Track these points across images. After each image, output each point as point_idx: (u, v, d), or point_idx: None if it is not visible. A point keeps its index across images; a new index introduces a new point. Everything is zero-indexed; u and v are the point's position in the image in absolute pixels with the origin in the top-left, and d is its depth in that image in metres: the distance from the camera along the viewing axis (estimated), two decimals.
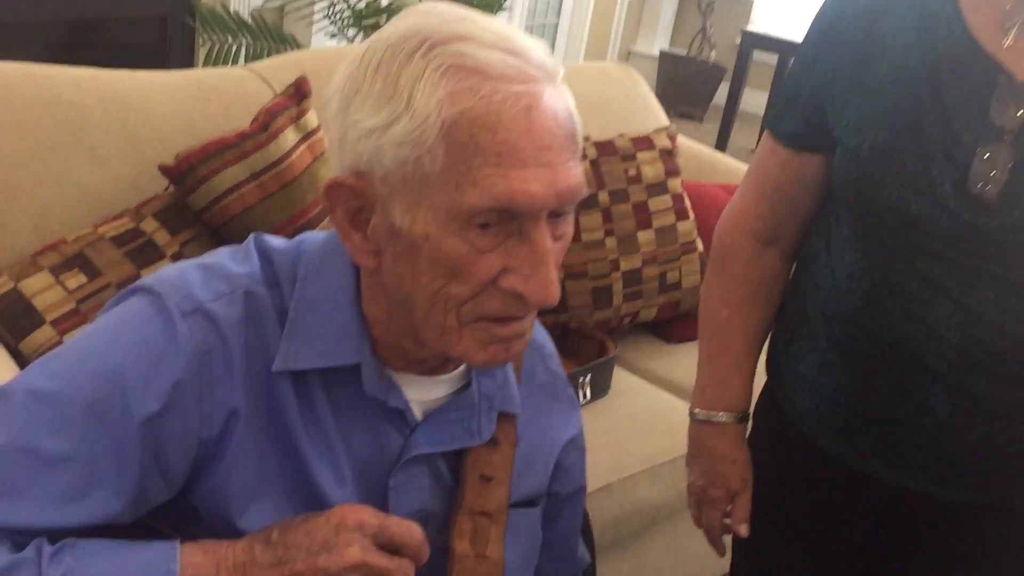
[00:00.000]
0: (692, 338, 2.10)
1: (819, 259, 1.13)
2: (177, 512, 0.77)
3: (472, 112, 0.68)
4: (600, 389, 1.82)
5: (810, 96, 1.08)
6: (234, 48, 2.79)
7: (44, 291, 1.33)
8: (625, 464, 1.68)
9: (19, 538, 0.70)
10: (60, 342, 1.31)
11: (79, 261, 1.37)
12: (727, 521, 1.24)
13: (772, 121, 1.15)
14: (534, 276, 0.71)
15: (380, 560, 0.72)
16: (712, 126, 5.55)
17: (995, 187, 0.95)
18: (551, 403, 0.95)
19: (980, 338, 0.99)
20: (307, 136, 1.55)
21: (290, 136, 1.52)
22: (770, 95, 5.46)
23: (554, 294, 0.72)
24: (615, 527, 1.65)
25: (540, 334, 0.96)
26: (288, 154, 1.50)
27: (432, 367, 0.82)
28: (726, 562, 2.02)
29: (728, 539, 1.29)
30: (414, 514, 0.81)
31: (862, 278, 1.06)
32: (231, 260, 0.80)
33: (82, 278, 1.36)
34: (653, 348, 2.09)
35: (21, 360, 1.29)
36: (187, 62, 3.24)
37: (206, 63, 2.76)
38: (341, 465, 0.79)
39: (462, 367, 0.85)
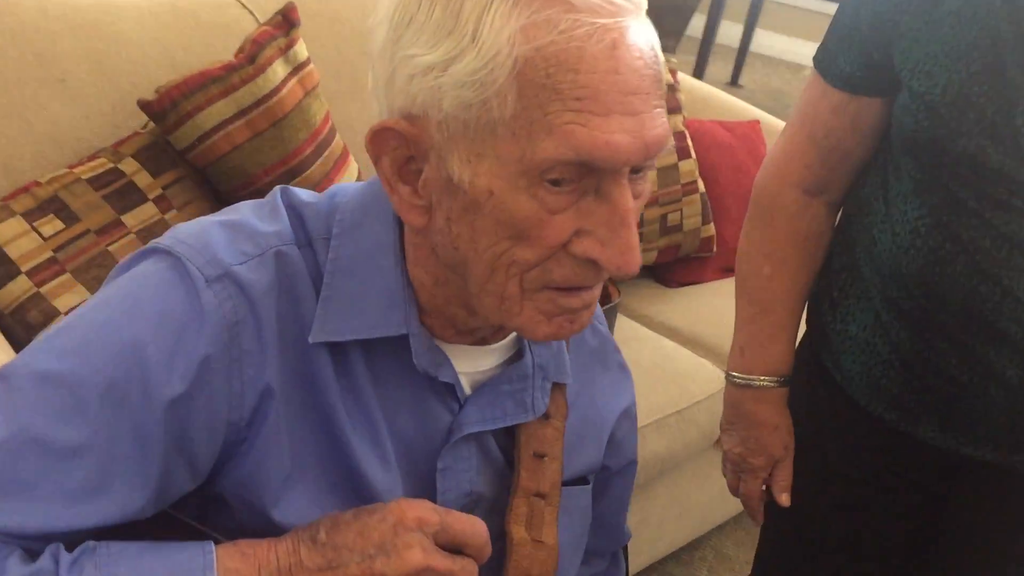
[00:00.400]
0: (691, 282, 2.10)
1: (874, 212, 1.05)
2: (202, 502, 0.69)
3: (550, 49, 0.59)
4: None
5: (871, 32, 0.99)
6: None
7: (17, 238, 1.22)
8: None
9: (32, 543, 0.61)
10: (37, 294, 1.21)
11: (54, 205, 1.26)
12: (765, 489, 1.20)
13: (823, 61, 1.06)
14: (613, 240, 0.62)
15: (444, 562, 0.65)
16: (686, 57, 5.45)
17: None
18: (602, 370, 0.87)
19: None
20: (297, 69, 1.45)
21: (279, 69, 1.41)
22: (745, 27, 5.39)
23: (636, 261, 0.63)
24: None
25: None
26: (278, 88, 1.40)
27: (481, 337, 0.74)
28: (728, 511, 2.02)
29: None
30: (463, 497, 0.74)
31: (928, 234, 0.99)
32: (256, 216, 0.70)
33: (58, 224, 1.25)
34: (653, 293, 2.05)
35: None
36: None
37: None
38: (385, 446, 0.71)
39: (512, 335, 0.76)
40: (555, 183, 0.61)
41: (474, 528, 0.67)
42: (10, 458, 0.61)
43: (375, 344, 0.70)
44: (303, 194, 0.73)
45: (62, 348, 0.64)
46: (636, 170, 0.64)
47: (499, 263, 0.64)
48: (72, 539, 0.61)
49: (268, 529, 0.67)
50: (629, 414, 0.90)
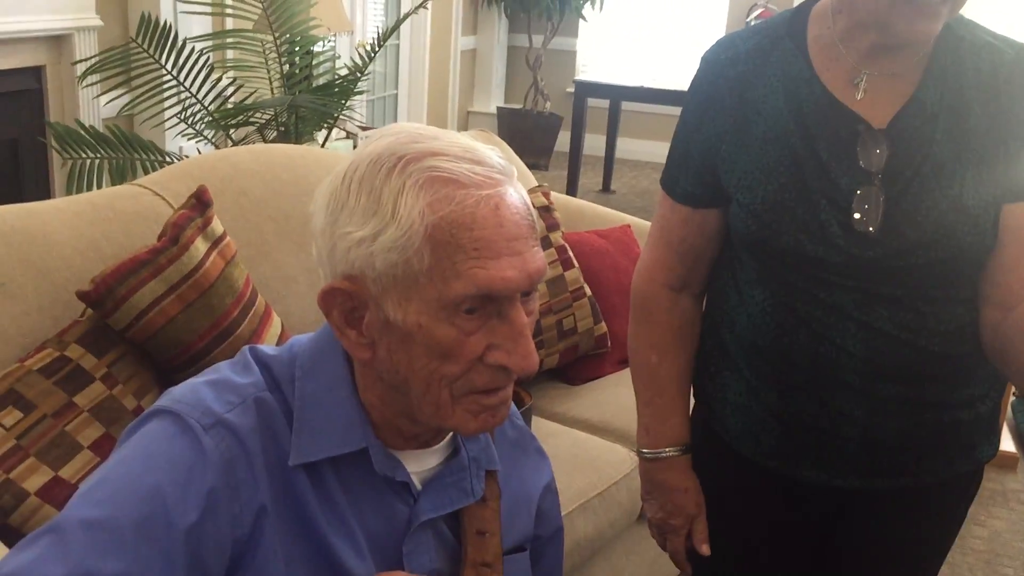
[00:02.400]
0: (594, 377, 2.25)
1: (730, 298, 1.26)
2: None
3: (451, 216, 0.79)
4: None
5: (700, 159, 1.22)
6: (96, 163, 2.78)
7: None
8: (560, 504, 1.78)
9: None
10: (7, 480, 1.31)
11: (11, 398, 1.37)
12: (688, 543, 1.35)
13: (667, 183, 1.28)
14: (516, 349, 0.82)
15: None
16: (559, 172, 5.79)
17: (873, 222, 1.11)
18: (522, 456, 1.05)
19: (882, 349, 1.14)
20: (216, 242, 1.60)
21: (200, 245, 1.56)
22: (608, 137, 5.75)
23: (534, 362, 0.83)
24: None
25: None
26: (202, 262, 1.54)
27: (424, 441, 0.92)
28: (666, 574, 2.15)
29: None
30: (427, 574, 0.90)
31: (773, 312, 1.19)
32: (234, 373, 0.87)
33: (17, 414, 1.36)
34: (561, 392, 2.20)
35: None
36: (43, 184, 3.19)
37: (68, 181, 2.74)
38: (358, 541, 0.87)
39: (448, 437, 0.94)
40: (468, 312, 0.81)
41: None
42: None
43: (342, 460, 0.87)
44: (267, 349, 0.91)
45: (98, 499, 0.78)
46: (526, 293, 0.84)
47: (432, 378, 0.83)
48: None
49: None
50: (550, 488, 1.08)
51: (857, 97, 1.14)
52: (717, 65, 1.21)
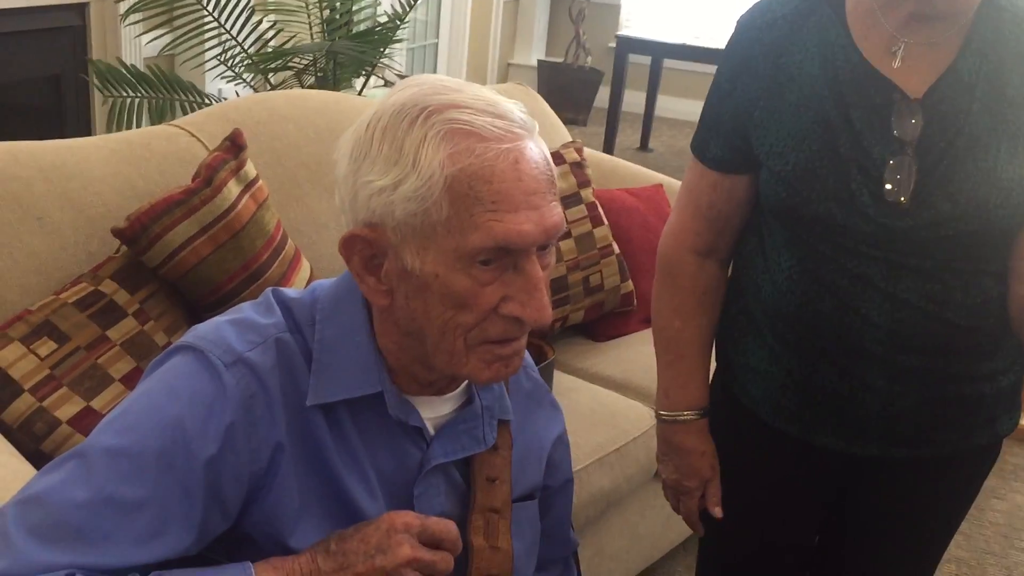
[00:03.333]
0: (618, 335, 2.27)
1: (756, 264, 1.26)
2: (232, 540, 0.86)
3: (470, 168, 0.81)
4: None
5: (731, 124, 1.22)
6: (136, 102, 2.81)
7: (17, 361, 1.37)
8: (577, 457, 1.77)
9: None
10: (40, 408, 1.36)
11: (47, 328, 1.42)
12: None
13: (697, 147, 1.28)
14: (530, 301, 0.84)
15: (427, 555, 0.84)
16: (597, 128, 5.75)
17: (905, 192, 1.10)
18: (536, 408, 1.07)
19: (906, 320, 1.14)
20: (249, 186, 1.62)
21: (233, 188, 1.59)
22: (648, 95, 5.70)
23: (548, 315, 0.85)
24: (575, 516, 1.77)
25: None
26: (234, 205, 1.57)
27: (440, 388, 0.94)
28: (673, 538, 2.19)
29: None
30: (436, 516, 0.92)
31: (799, 279, 1.19)
32: (256, 313, 0.90)
33: (52, 344, 1.41)
34: (585, 348, 2.22)
35: (3, 429, 1.34)
36: (84, 120, 3.23)
37: (109, 119, 2.77)
38: (371, 481, 0.90)
39: (463, 385, 0.97)
40: (484, 263, 0.82)
41: (448, 528, 0.87)
42: (92, 514, 0.78)
43: (357, 402, 0.89)
44: (290, 292, 0.93)
45: (120, 427, 0.82)
46: (542, 247, 0.85)
47: (447, 327, 0.84)
48: (143, 571, 0.79)
49: (287, 555, 0.84)
50: (562, 440, 1.10)
51: (894, 66, 1.13)
52: (753, 29, 1.20)
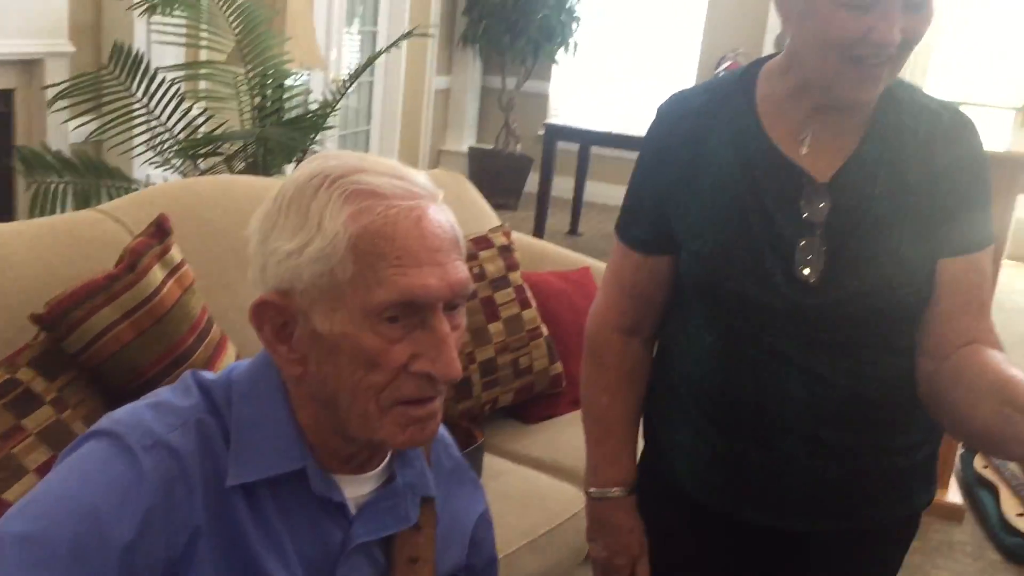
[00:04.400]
0: (548, 417, 2.27)
1: (679, 342, 1.29)
2: None
3: (372, 226, 0.83)
4: None
5: (652, 207, 1.26)
6: (60, 187, 2.78)
7: None
8: (507, 540, 1.78)
9: None
10: None
11: None
12: None
13: (621, 230, 1.32)
14: (439, 357, 0.85)
15: None
16: (527, 213, 5.83)
17: (815, 272, 1.15)
18: (458, 486, 1.07)
19: (823, 395, 1.17)
20: (174, 271, 1.61)
21: (158, 273, 1.57)
22: (576, 180, 5.81)
23: (458, 370, 0.86)
24: None
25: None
26: (158, 290, 1.55)
27: (360, 463, 0.94)
28: None
29: None
30: None
31: (720, 356, 1.23)
32: (174, 396, 0.89)
33: None
34: (515, 430, 2.22)
35: None
36: (7, 205, 3.18)
37: (32, 205, 2.74)
38: (292, 564, 0.88)
39: (384, 463, 0.96)
40: (391, 320, 0.84)
41: None
42: None
43: (279, 481, 0.88)
44: (207, 374, 0.93)
45: (34, 514, 0.79)
46: (450, 307, 0.86)
47: (358, 388, 0.85)
48: None
49: None
50: (485, 519, 1.10)
51: (802, 152, 1.18)
52: (671, 117, 1.26)
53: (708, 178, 1.21)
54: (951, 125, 1.18)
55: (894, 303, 1.16)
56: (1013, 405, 0.99)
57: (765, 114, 1.20)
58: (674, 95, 1.29)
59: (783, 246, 1.16)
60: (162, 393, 0.91)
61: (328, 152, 0.91)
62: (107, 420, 0.86)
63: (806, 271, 1.15)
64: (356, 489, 0.94)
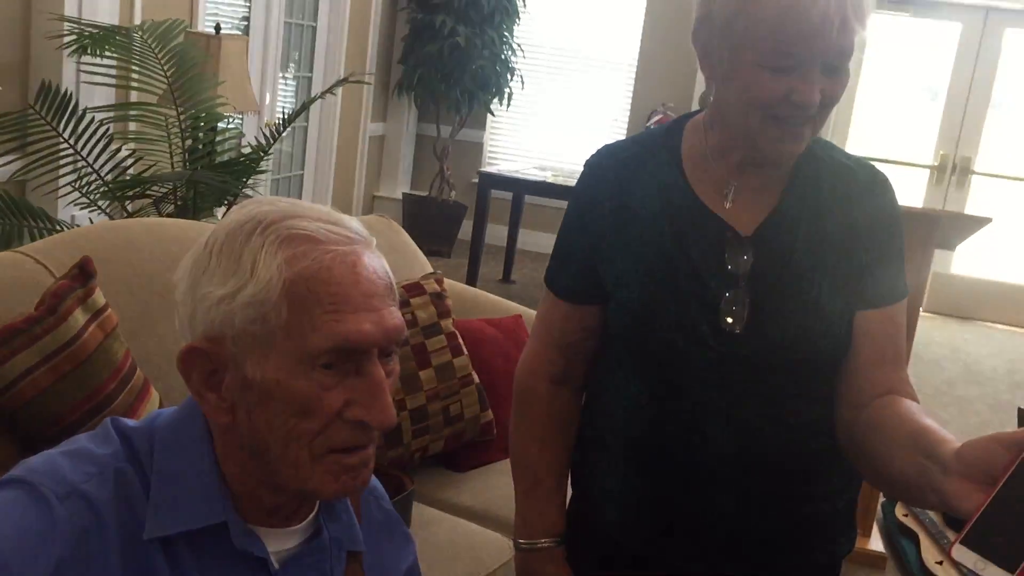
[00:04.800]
0: (479, 465, 2.26)
1: (608, 390, 1.31)
2: None
3: (307, 271, 0.82)
4: None
5: (581, 257, 1.28)
6: None
7: None
8: None
9: None
10: None
11: None
12: None
13: (550, 280, 1.34)
14: (374, 404, 0.84)
15: None
16: (461, 260, 5.85)
17: (740, 323, 1.17)
18: (388, 540, 1.06)
19: (747, 443, 1.19)
20: (96, 314, 1.57)
21: (79, 316, 1.54)
22: (510, 228, 5.84)
23: (393, 417, 0.85)
24: None
25: (372, 478, 1.08)
26: (79, 334, 1.52)
27: (286, 515, 0.91)
28: None
29: None
30: None
31: (647, 405, 1.24)
32: (92, 443, 0.86)
33: None
34: (445, 479, 2.20)
35: None
36: None
37: None
38: None
39: (310, 517, 0.94)
40: (326, 366, 0.82)
41: None
42: None
43: (198, 534, 0.86)
44: (129, 421, 0.91)
45: None
46: (385, 353, 0.86)
47: (291, 436, 0.83)
48: None
49: None
50: (412, 572, 1.08)
51: (726, 206, 1.22)
52: (599, 170, 1.28)
53: (635, 230, 1.23)
54: (867, 182, 1.23)
55: (815, 353, 1.19)
56: (928, 455, 1.01)
57: (690, 168, 1.24)
58: (601, 148, 1.32)
59: (709, 297, 1.19)
60: (80, 440, 0.88)
61: (260, 198, 0.90)
62: (21, 467, 0.83)
63: (731, 322, 1.18)
64: (280, 543, 0.92)
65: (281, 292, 0.81)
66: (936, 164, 6.48)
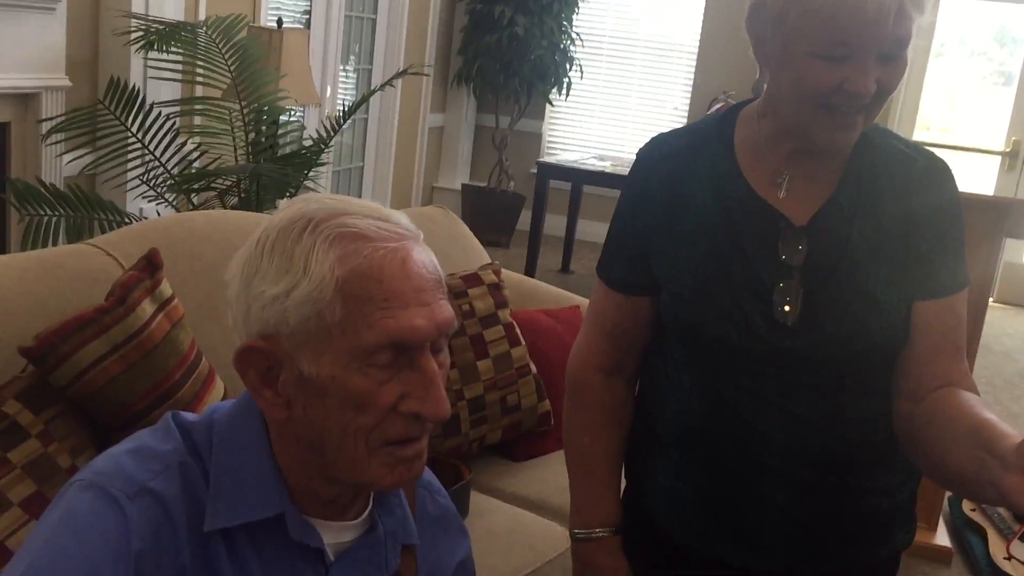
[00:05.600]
0: (536, 455, 2.26)
1: (660, 382, 1.30)
2: None
3: (360, 268, 0.83)
4: (459, 513, 1.93)
5: (633, 249, 1.28)
6: (53, 220, 2.79)
7: None
8: None
9: None
10: None
11: None
12: None
13: (602, 270, 1.34)
14: (428, 396, 0.85)
15: None
16: (520, 251, 5.86)
17: (793, 314, 1.16)
18: (443, 534, 1.07)
19: (802, 435, 1.18)
20: (163, 305, 1.62)
21: (147, 307, 1.58)
22: (569, 219, 5.83)
23: (447, 409, 0.86)
24: None
25: (427, 472, 1.09)
26: (147, 324, 1.56)
27: (341, 506, 0.93)
28: None
29: None
30: None
31: (700, 397, 1.24)
32: (154, 440, 0.89)
33: None
34: (503, 468, 2.21)
35: None
36: None
37: (24, 238, 2.74)
38: None
39: (366, 513, 0.96)
40: (380, 362, 0.84)
41: None
42: None
43: (257, 526, 0.88)
44: (188, 415, 0.93)
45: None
46: (436, 347, 0.87)
47: (347, 430, 0.85)
48: None
49: None
50: (465, 565, 1.10)
51: (779, 196, 1.20)
52: (650, 161, 1.28)
53: (687, 221, 1.22)
54: (925, 170, 1.21)
55: (870, 346, 1.17)
56: (987, 449, 1.00)
57: (743, 158, 1.23)
58: (654, 138, 1.31)
59: (762, 289, 1.18)
60: (142, 437, 0.90)
61: (308, 195, 0.91)
62: (88, 471, 0.86)
63: (786, 311, 1.17)
64: (336, 536, 0.94)
65: (335, 290, 0.82)
66: (1008, 150, 6.29)
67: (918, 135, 6.19)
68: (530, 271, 5.22)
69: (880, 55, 1.08)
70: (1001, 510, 3.07)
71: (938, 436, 1.11)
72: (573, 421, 1.38)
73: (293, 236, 0.85)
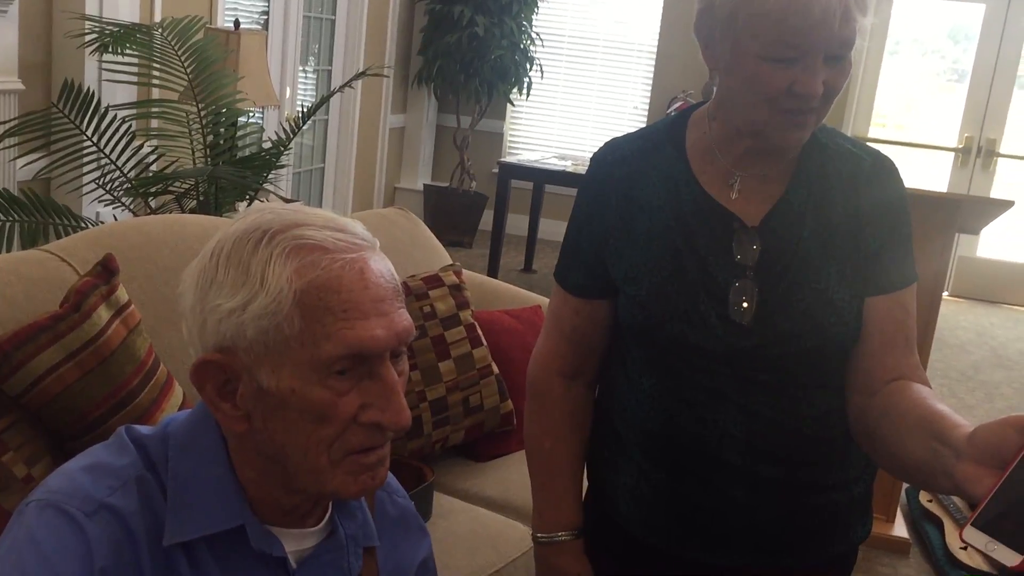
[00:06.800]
0: (499, 455, 2.27)
1: (620, 385, 1.31)
2: None
3: (318, 280, 0.83)
4: (422, 514, 1.91)
5: (589, 253, 1.29)
6: (7, 226, 2.75)
7: None
8: None
9: None
10: None
11: None
12: None
13: (559, 275, 1.34)
14: (389, 406, 0.85)
15: None
16: (482, 250, 5.86)
17: (748, 313, 1.18)
18: (403, 534, 1.07)
19: (760, 432, 1.20)
20: (120, 311, 1.60)
21: (103, 313, 1.56)
22: (531, 218, 5.84)
23: (407, 418, 0.86)
24: None
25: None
26: (103, 331, 1.54)
27: (302, 515, 0.93)
28: None
29: None
30: None
31: (660, 397, 1.25)
32: (109, 455, 0.88)
33: None
34: (466, 469, 2.22)
35: None
36: None
37: None
38: None
39: (326, 518, 0.96)
40: (339, 373, 0.84)
41: None
42: None
43: (218, 538, 0.87)
44: (142, 428, 0.92)
45: None
46: (395, 354, 0.87)
47: (309, 443, 0.85)
48: None
49: None
50: (426, 564, 1.10)
51: (732, 197, 1.22)
52: (604, 165, 1.29)
53: (642, 224, 1.24)
54: (872, 168, 1.23)
55: (824, 341, 1.19)
56: (940, 439, 1.02)
57: (695, 161, 1.24)
58: (608, 143, 1.33)
59: (717, 289, 1.20)
60: (97, 452, 0.90)
61: (262, 205, 0.91)
62: (43, 490, 0.85)
63: (740, 312, 1.18)
64: (297, 544, 0.94)
65: (292, 302, 0.82)
66: (961, 147, 6.41)
67: (873, 132, 6.29)
68: (493, 270, 5.23)
69: (827, 56, 1.10)
70: (956, 499, 3.13)
71: (892, 428, 1.13)
72: (534, 425, 1.38)
73: (249, 248, 0.84)
